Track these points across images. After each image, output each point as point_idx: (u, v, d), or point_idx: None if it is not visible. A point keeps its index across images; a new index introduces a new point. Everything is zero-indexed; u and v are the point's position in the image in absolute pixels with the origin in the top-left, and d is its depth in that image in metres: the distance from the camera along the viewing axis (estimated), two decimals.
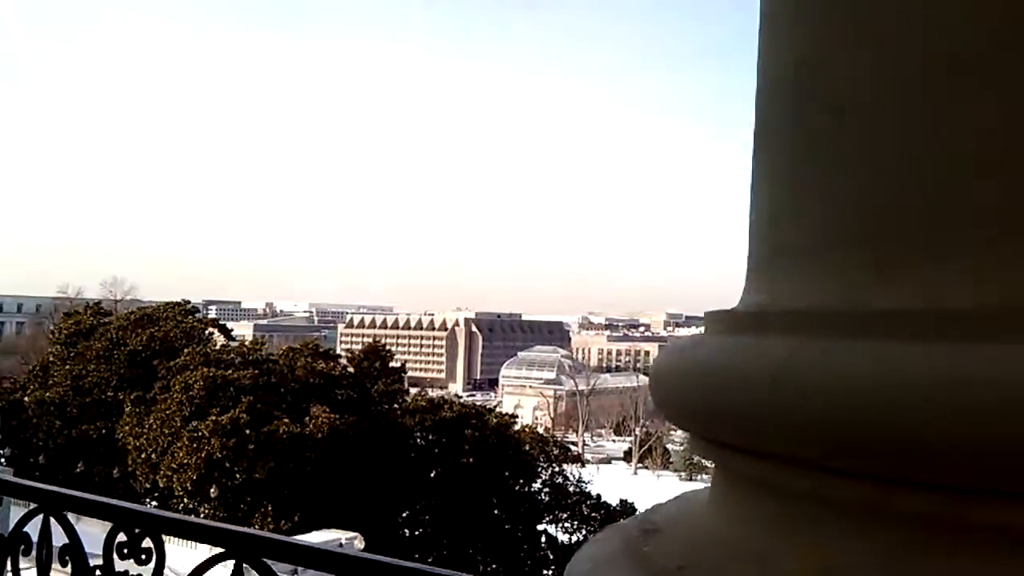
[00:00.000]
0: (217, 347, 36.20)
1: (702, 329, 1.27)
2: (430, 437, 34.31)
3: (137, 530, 2.52)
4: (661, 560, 1.09)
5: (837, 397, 0.89)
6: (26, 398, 33.84)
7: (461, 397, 47.44)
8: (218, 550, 2.31)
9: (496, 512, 33.69)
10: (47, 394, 33.38)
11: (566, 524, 35.68)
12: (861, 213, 0.99)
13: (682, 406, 1.19)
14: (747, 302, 1.20)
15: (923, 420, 0.82)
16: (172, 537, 2.56)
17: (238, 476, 29.06)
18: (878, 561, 0.90)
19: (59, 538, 2.75)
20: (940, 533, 0.86)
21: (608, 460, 79.21)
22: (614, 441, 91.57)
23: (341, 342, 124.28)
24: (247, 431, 29.03)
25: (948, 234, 0.90)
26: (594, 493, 36.81)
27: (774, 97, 1.18)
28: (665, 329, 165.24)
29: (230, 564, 2.29)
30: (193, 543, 2.52)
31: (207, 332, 38.71)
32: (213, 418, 28.97)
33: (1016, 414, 0.77)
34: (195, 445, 28.77)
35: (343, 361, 37.19)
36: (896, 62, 0.96)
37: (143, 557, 2.50)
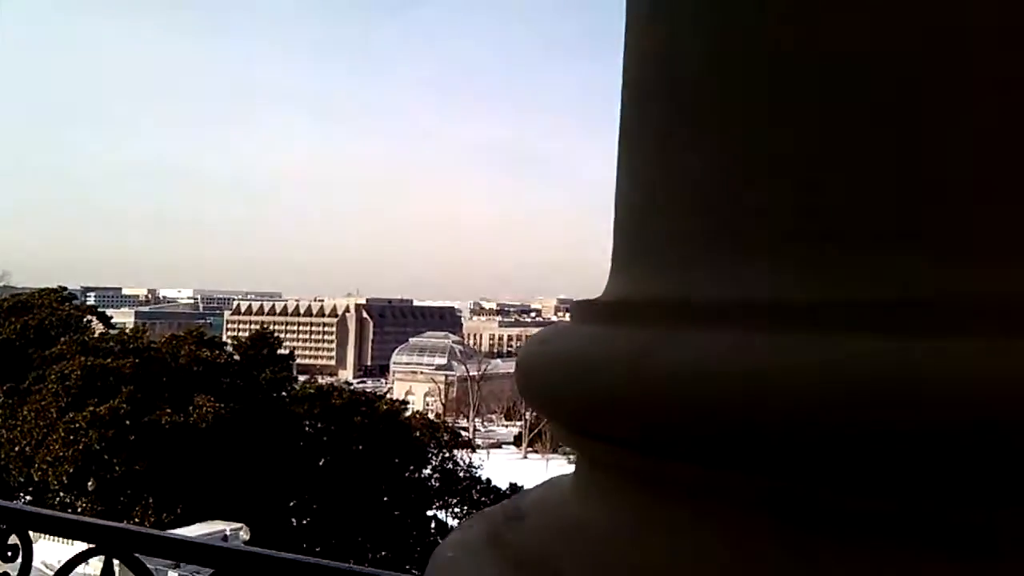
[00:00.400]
0: (96, 335, 34.87)
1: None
2: (319, 425, 33.86)
3: (3, 526, 2.43)
4: (521, 548, 1.09)
5: (690, 385, 0.91)
6: None
7: (352, 384, 46.78)
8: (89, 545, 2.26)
9: (386, 499, 33.52)
10: None
11: (456, 509, 35.78)
12: (705, 209, 1.03)
13: (545, 395, 1.19)
14: (610, 292, 1.22)
15: (763, 406, 0.85)
16: (45, 534, 2.49)
17: (118, 468, 28.10)
18: (730, 546, 0.92)
19: None
20: (790, 519, 0.88)
21: (499, 445, 79.68)
22: (505, 426, 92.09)
23: (228, 329, 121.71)
24: (127, 422, 28.09)
25: (766, 231, 0.96)
26: (484, 478, 37.03)
27: (631, 96, 1.21)
28: (556, 315, 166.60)
29: (102, 559, 2.24)
30: (69, 539, 2.46)
31: (85, 320, 37.26)
32: (91, 409, 27.89)
33: (842, 401, 0.80)
34: (72, 437, 27.69)
35: (229, 348, 36.32)
36: (724, 69, 1.01)
37: (9, 554, 2.42)
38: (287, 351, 39.27)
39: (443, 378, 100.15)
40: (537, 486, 1.34)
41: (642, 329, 1.01)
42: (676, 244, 1.08)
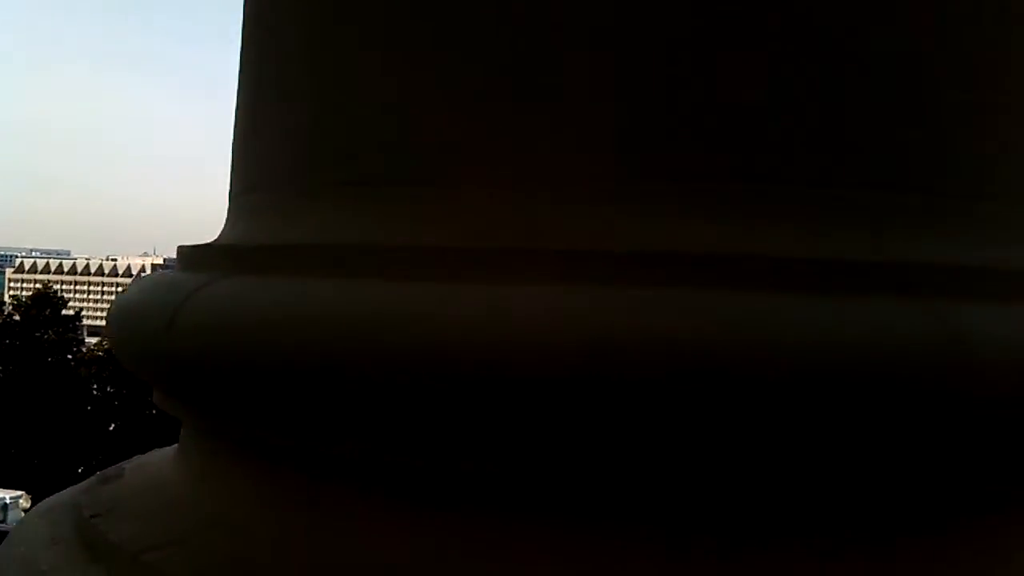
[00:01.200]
0: None
1: None
2: (109, 388, 32.35)
3: None
4: (92, 505, 1.04)
5: (210, 331, 0.90)
6: None
7: None
8: None
9: None
10: None
11: None
12: (280, 156, 1.05)
13: (115, 346, 1.14)
14: (219, 237, 1.18)
15: (314, 353, 0.84)
16: None
17: None
18: (275, 498, 0.94)
19: None
20: (336, 472, 0.91)
21: None
22: None
23: (10, 288, 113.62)
24: None
25: (332, 179, 1.00)
26: None
27: (243, 42, 1.20)
28: None
29: None
30: None
31: None
32: None
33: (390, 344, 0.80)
34: None
35: (8, 309, 34.07)
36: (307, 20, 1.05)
37: None
38: (73, 312, 37.15)
39: None
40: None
41: (196, 275, 0.99)
42: (252, 190, 1.10)
